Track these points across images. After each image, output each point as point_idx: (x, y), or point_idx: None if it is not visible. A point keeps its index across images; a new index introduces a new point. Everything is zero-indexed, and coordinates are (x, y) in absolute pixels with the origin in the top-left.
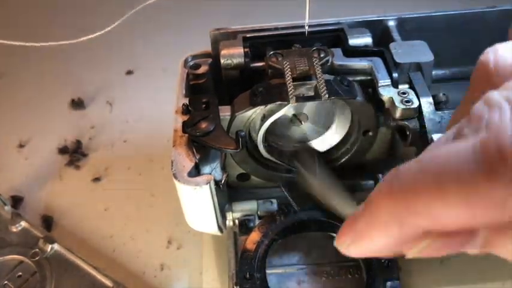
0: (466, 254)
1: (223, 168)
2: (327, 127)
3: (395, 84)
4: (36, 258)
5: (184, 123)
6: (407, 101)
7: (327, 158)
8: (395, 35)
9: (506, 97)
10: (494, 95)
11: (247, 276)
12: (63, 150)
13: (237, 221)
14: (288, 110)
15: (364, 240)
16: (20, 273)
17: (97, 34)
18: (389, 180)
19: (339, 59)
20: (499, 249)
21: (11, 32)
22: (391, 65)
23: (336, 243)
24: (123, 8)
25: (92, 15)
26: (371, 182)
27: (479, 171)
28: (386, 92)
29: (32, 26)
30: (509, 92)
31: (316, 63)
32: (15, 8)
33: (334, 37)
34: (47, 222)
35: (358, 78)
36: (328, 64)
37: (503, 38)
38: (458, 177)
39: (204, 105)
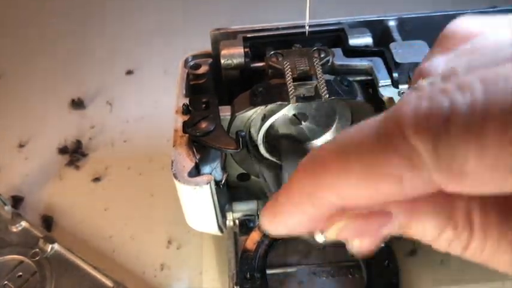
0: None
1: (223, 168)
2: (327, 127)
3: (395, 84)
4: (36, 258)
5: (184, 123)
6: None
7: None
8: (396, 35)
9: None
10: (420, 81)
11: (248, 276)
12: (63, 150)
13: (237, 221)
14: (288, 110)
15: (282, 217)
16: (20, 273)
17: None
18: (307, 157)
19: (339, 59)
20: (415, 232)
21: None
22: (391, 65)
23: (259, 221)
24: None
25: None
26: None
27: (377, 143)
28: (387, 92)
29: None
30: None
31: (316, 63)
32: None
33: (335, 37)
34: (47, 222)
35: (359, 78)
36: (329, 64)
37: None
38: (359, 149)
39: (204, 105)
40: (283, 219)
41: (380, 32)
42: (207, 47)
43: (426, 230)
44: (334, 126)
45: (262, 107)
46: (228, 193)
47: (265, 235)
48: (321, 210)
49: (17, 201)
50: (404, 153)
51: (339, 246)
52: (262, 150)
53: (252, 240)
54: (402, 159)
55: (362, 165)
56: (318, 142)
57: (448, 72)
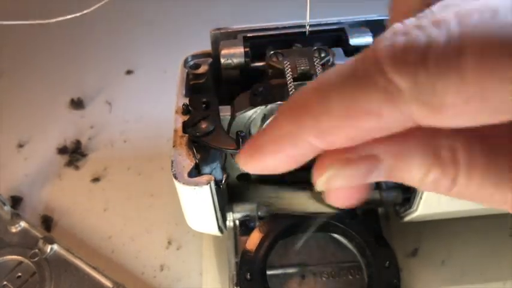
0: (466, 252)
1: (223, 168)
2: None
3: None
4: (36, 259)
5: (184, 123)
6: None
7: None
8: None
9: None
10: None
11: (248, 277)
12: (62, 150)
13: (237, 221)
14: None
15: (261, 156)
16: (20, 274)
17: (76, 15)
18: (288, 100)
19: (339, 58)
20: (403, 176)
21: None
22: None
23: (236, 159)
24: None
25: None
26: None
27: (356, 80)
28: None
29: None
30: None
31: (317, 63)
32: None
33: (335, 37)
34: (47, 222)
35: None
36: (329, 64)
37: None
38: (339, 87)
39: (204, 105)
40: (263, 159)
41: (380, 31)
42: (207, 47)
43: (413, 171)
44: None
45: (263, 107)
46: (227, 193)
47: (265, 236)
48: (302, 151)
49: (16, 201)
50: (383, 88)
51: (339, 247)
52: None
53: (252, 240)
54: (381, 94)
55: (342, 103)
56: None
57: (423, 12)
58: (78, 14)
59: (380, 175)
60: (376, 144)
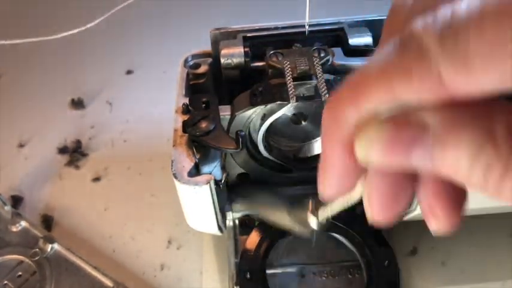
0: (465, 252)
1: (223, 168)
2: None
3: None
4: (36, 258)
5: (184, 123)
6: None
7: None
8: None
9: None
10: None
11: (248, 276)
12: (63, 150)
13: (237, 221)
14: (288, 110)
15: (325, 173)
16: (20, 273)
17: (81, 29)
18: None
19: (339, 58)
20: (449, 160)
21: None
22: None
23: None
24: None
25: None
26: None
27: (393, 49)
28: None
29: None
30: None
31: (316, 63)
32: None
33: (335, 37)
34: (47, 222)
35: None
36: (329, 64)
37: None
38: (380, 64)
39: (204, 105)
40: (327, 176)
41: (380, 31)
42: (207, 47)
43: (461, 149)
44: None
45: (262, 107)
46: (227, 193)
47: (265, 235)
48: (344, 129)
49: (17, 201)
50: (413, 48)
51: (338, 246)
52: (262, 149)
53: (252, 240)
54: (411, 53)
55: (379, 69)
56: (317, 142)
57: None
58: (82, 28)
59: (425, 153)
60: (426, 112)
